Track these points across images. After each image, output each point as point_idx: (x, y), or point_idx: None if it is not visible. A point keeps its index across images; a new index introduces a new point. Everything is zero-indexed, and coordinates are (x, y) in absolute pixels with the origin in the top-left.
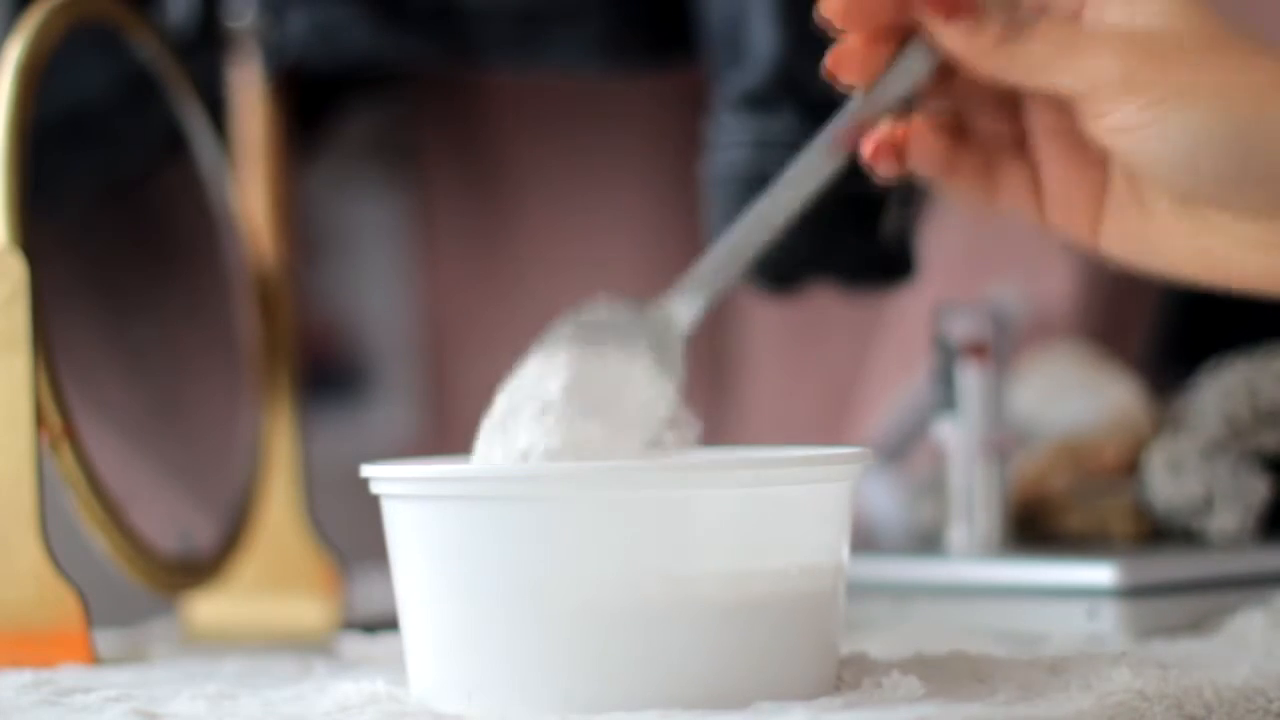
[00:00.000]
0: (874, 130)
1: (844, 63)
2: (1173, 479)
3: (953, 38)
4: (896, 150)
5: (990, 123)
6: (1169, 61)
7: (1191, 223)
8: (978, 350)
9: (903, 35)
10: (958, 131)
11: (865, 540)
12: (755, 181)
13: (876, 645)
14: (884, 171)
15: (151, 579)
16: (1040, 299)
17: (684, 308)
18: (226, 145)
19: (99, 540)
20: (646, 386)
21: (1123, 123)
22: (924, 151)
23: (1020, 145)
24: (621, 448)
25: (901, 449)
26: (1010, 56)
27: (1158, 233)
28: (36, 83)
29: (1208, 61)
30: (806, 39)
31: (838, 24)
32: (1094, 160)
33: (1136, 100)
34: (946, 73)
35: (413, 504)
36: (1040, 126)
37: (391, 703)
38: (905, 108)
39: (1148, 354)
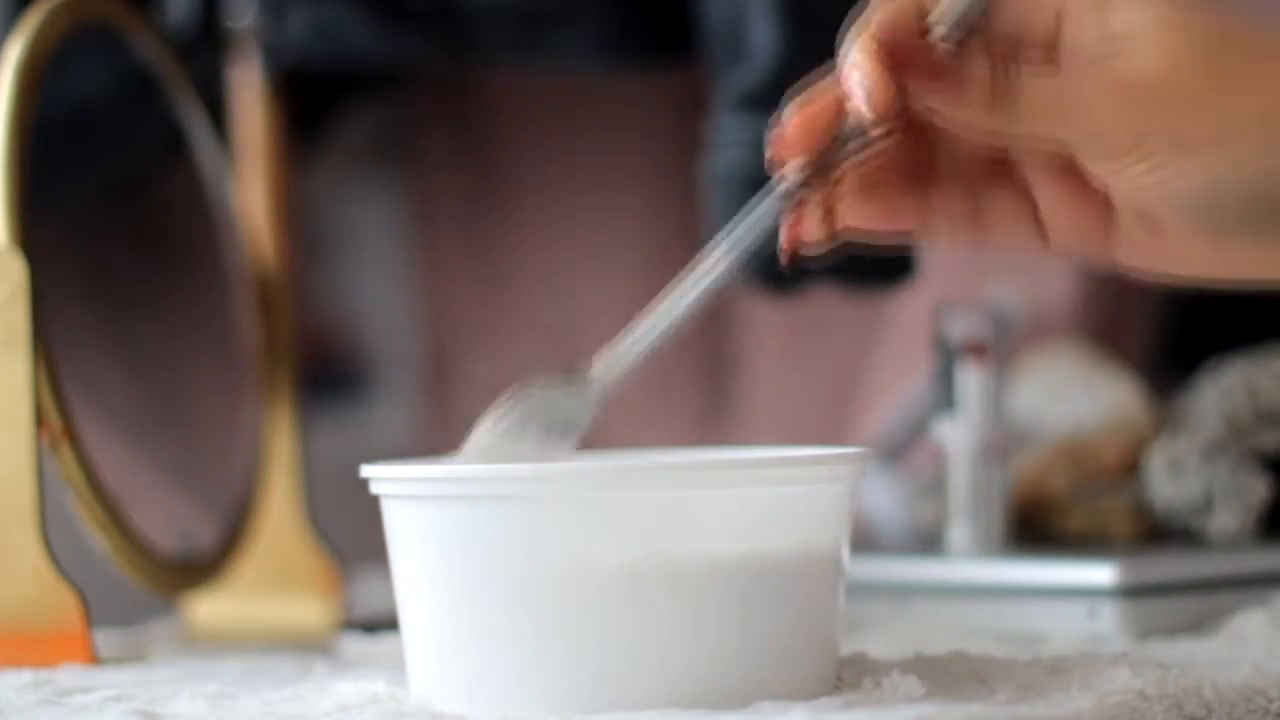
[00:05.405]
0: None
1: (789, 146)
2: (1173, 479)
3: (941, 107)
4: (827, 230)
5: (964, 150)
6: (1176, 106)
7: (1211, 238)
8: (977, 350)
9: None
10: (923, 168)
11: (865, 540)
12: (755, 182)
13: (876, 645)
14: (814, 247)
15: (151, 579)
16: (1040, 299)
17: (609, 374)
18: (226, 145)
19: (99, 540)
20: None
21: (1136, 177)
22: (861, 218)
23: (1003, 169)
24: None
25: (901, 449)
26: (1003, 120)
27: (1175, 246)
28: (37, 82)
29: (1220, 100)
30: (806, 39)
31: (791, 145)
32: (1094, 184)
33: (1150, 159)
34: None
35: (413, 504)
36: (1028, 152)
37: (391, 703)
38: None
39: (1148, 354)
